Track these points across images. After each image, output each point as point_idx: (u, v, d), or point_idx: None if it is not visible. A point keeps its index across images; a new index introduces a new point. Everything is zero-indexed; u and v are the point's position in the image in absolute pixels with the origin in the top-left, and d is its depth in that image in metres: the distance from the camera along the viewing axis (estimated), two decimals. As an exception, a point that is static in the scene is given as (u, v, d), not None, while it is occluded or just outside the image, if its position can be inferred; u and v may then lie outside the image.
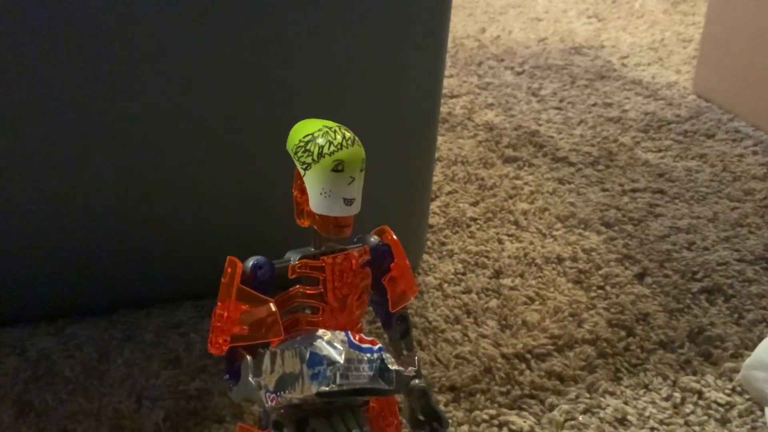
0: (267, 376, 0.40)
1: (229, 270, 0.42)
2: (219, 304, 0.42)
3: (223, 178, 0.67)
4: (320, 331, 0.41)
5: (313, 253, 0.44)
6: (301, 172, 0.41)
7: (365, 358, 0.40)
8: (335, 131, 0.41)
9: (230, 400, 0.62)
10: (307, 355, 0.39)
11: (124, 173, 0.64)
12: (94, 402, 0.62)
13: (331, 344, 0.40)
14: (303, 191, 0.42)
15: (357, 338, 0.41)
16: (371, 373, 0.40)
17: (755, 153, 1.07)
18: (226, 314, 0.42)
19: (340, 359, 0.39)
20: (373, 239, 0.46)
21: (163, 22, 0.58)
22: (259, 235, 0.66)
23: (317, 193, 0.41)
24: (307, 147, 0.41)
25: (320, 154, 0.41)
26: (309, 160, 0.41)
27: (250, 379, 0.41)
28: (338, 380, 0.39)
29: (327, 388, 0.38)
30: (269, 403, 0.40)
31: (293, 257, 0.44)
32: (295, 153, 0.41)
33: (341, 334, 0.41)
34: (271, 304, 0.42)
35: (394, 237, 0.46)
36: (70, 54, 0.58)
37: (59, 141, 0.61)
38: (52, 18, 0.56)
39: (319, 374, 0.39)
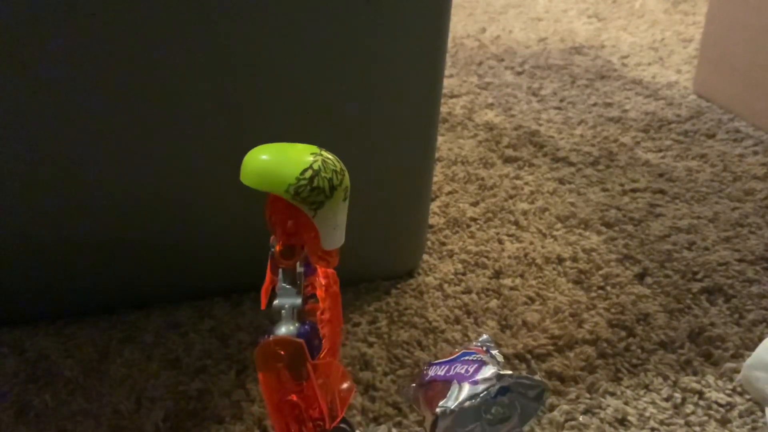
0: None
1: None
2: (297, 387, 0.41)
3: (223, 178, 0.67)
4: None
5: (301, 289, 0.44)
6: (310, 213, 0.38)
7: None
8: (325, 157, 0.38)
9: (230, 400, 0.62)
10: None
11: (124, 174, 0.64)
12: (94, 402, 0.62)
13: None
14: (291, 234, 0.40)
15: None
16: None
17: (756, 153, 1.07)
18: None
19: None
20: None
21: (163, 22, 0.58)
22: (262, 235, 0.66)
23: (330, 229, 0.38)
24: (314, 184, 0.37)
25: (332, 188, 0.37)
26: (321, 198, 0.37)
27: None
28: None
29: None
30: None
31: (289, 304, 0.42)
32: (298, 194, 0.37)
33: None
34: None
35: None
36: (71, 50, 0.58)
37: (59, 141, 0.61)
38: (48, 15, 0.56)
39: None
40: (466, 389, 0.44)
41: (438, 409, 0.44)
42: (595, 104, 1.23)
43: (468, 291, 0.77)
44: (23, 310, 0.71)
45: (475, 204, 0.93)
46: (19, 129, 0.60)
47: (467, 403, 0.44)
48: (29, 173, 0.62)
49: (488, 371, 0.44)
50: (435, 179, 0.97)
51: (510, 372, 0.45)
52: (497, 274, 0.80)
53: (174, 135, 0.64)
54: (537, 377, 0.45)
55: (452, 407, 0.44)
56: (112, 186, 0.65)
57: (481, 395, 0.44)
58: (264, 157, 0.38)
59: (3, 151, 0.61)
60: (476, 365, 0.45)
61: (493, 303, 0.75)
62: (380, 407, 0.62)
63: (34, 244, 0.66)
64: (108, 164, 0.64)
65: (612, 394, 0.64)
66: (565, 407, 0.63)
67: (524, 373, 0.46)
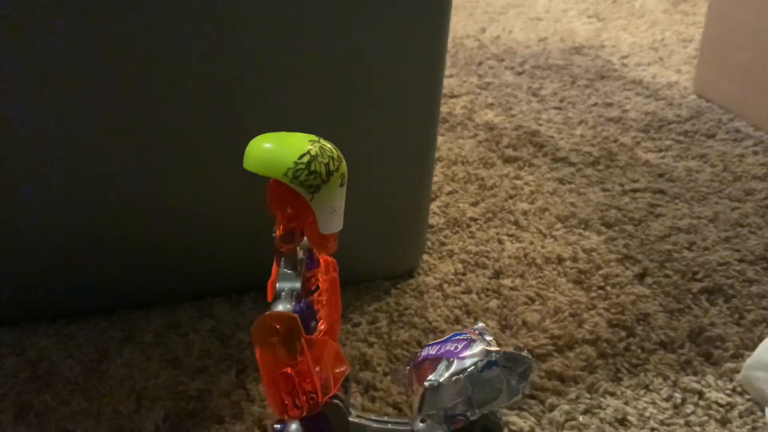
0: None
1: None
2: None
3: (223, 178, 0.67)
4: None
5: (301, 274, 0.45)
6: (307, 196, 0.40)
7: None
8: (322, 144, 0.40)
9: (230, 400, 0.62)
10: None
11: (124, 174, 0.64)
12: (94, 402, 0.62)
13: None
14: (291, 219, 0.41)
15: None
16: None
17: (756, 153, 1.07)
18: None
19: None
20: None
21: (163, 17, 0.58)
22: (262, 235, 0.66)
23: (327, 213, 0.40)
24: (311, 168, 0.39)
25: (328, 173, 0.39)
26: (318, 181, 0.39)
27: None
28: None
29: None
30: None
31: (288, 287, 0.44)
32: (296, 177, 0.40)
33: None
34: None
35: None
36: (66, 44, 0.58)
37: (60, 142, 0.61)
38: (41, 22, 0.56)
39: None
40: (454, 364, 0.45)
41: (426, 383, 0.45)
42: (595, 104, 1.23)
43: (468, 291, 0.77)
44: (23, 310, 0.71)
45: (475, 204, 0.93)
46: (17, 130, 0.60)
47: (454, 378, 0.44)
48: (27, 174, 0.62)
49: (476, 347, 0.45)
50: (435, 179, 0.97)
51: (497, 348, 0.45)
52: (497, 274, 0.80)
53: (174, 134, 0.64)
54: (524, 353, 0.45)
55: (440, 381, 0.44)
56: (111, 185, 0.65)
57: (469, 369, 0.44)
58: (266, 144, 0.41)
59: (4, 153, 0.61)
60: (465, 342, 0.46)
61: (493, 303, 0.75)
62: (380, 407, 0.62)
63: (34, 245, 0.66)
64: (107, 164, 0.64)
65: (612, 394, 0.64)
66: (565, 407, 0.63)
67: (511, 350, 0.46)
